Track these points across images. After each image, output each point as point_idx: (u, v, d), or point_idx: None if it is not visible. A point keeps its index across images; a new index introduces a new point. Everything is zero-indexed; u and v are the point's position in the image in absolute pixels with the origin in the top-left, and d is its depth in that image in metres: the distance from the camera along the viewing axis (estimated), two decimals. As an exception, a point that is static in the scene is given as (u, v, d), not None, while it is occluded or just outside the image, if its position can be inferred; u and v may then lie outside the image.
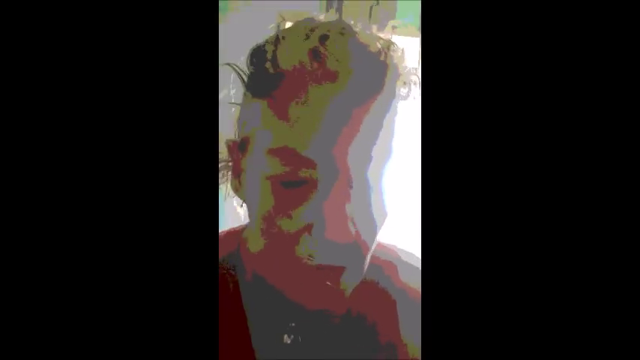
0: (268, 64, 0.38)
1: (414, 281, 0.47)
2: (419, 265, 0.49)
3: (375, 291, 0.47)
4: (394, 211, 0.40)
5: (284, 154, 0.36)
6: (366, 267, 0.41)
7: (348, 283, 0.39)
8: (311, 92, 0.35)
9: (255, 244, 0.42)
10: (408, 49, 0.40)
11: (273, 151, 0.37)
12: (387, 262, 0.49)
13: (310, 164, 0.36)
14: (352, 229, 0.37)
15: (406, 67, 0.39)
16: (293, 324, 0.44)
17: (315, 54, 0.36)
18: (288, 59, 0.36)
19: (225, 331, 0.41)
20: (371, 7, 1.54)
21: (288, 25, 0.40)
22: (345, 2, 1.45)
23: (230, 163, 0.44)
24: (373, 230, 0.39)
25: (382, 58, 0.37)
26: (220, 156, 0.45)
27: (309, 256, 0.37)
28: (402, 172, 0.39)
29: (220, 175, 0.45)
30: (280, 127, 0.36)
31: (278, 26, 0.41)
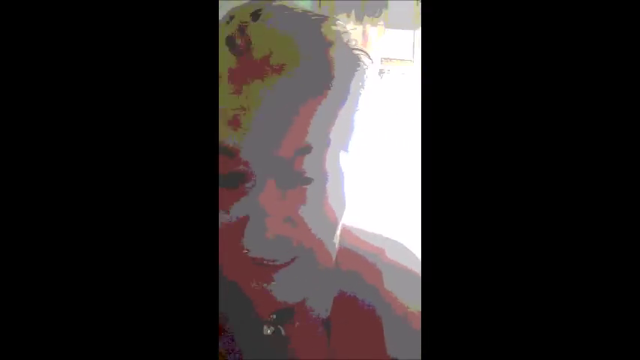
0: None
1: (402, 290, 0.45)
2: (412, 267, 0.47)
3: (356, 307, 0.45)
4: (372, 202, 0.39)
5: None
6: (328, 261, 0.40)
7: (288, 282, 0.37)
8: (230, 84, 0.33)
9: None
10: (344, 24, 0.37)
11: None
12: (371, 268, 0.47)
13: (232, 153, 0.34)
14: (290, 224, 0.35)
15: (344, 40, 0.36)
16: (274, 316, 0.43)
17: (230, 43, 0.34)
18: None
19: None
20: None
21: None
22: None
23: None
24: (328, 224, 0.38)
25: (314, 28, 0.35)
26: None
27: (246, 249, 0.35)
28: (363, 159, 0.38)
29: None
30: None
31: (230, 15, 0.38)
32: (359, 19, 1.35)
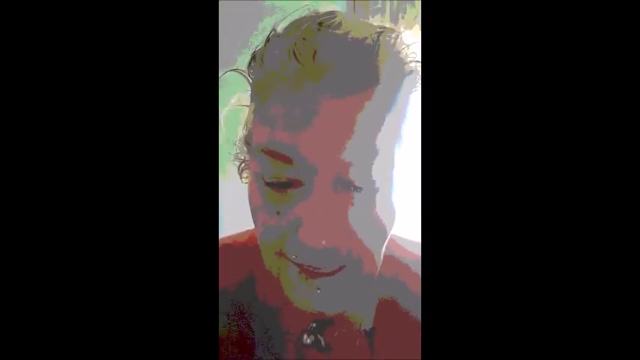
0: (259, 64, 0.37)
1: None
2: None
3: (398, 311, 0.45)
4: (410, 211, 0.39)
5: (269, 153, 0.35)
6: (375, 271, 0.39)
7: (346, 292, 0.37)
8: (292, 90, 0.34)
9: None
10: (407, 36, 0.37)
11: (264, 151, 0.36)
12: (413, 275, 0.46)
13: (287, 160, 0.34)
14: (337, 234, 0.35)
15: (404, 53, 0.36)
16: (314, 324, 0.43)
17: (293, 52, 0.34)
18: (273, 59, 0.36)
19: None
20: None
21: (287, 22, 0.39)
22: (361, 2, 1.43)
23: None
24: (375, 236, 0.37)
25: (371, 46, 0.34)
26: (239, 156, 0.45)
27: (295, 256, 0.35)
28: (409, 170, 0.37)
29: (244, 173, 0.45)
30: (265, 128, 0.36)
31: (272, 29, 0.39)
32: (394, 21, 1.35)
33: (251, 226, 0.43)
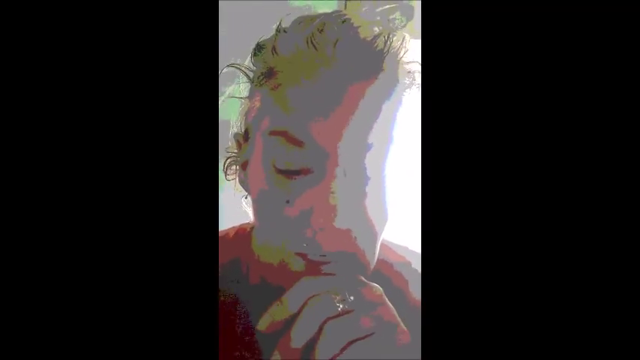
0: (268, 54, 0.39)
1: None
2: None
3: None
4: (399, 209, 0.39)
5: (281, 137, 0.36)
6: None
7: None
8: (306, 77, 0.36)
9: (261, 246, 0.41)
10: (410, 40, 0.39)
11: (273, 133, 0.37)
12: (397, 274, 0.46)
13: (299, 144, 0.36)
14: (340, 223, 0.35)
15: (406, 54, 0.38)
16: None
17: (311, 41, 0.37)
18: (287, 47, 0.38)
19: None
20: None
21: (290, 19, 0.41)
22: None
23: (238, 158, 0.44)
24: (372, 230, 0.38)
25: (380, 45, 0.37)
26: (229, 152, 0.45)
27: (305, 244, 0.36)
28: (405, 164, 0.38)
29: (230, 170, 0.45)
30: (279, 112, 0.37)
31: (280, 21, 0.41)
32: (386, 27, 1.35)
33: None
